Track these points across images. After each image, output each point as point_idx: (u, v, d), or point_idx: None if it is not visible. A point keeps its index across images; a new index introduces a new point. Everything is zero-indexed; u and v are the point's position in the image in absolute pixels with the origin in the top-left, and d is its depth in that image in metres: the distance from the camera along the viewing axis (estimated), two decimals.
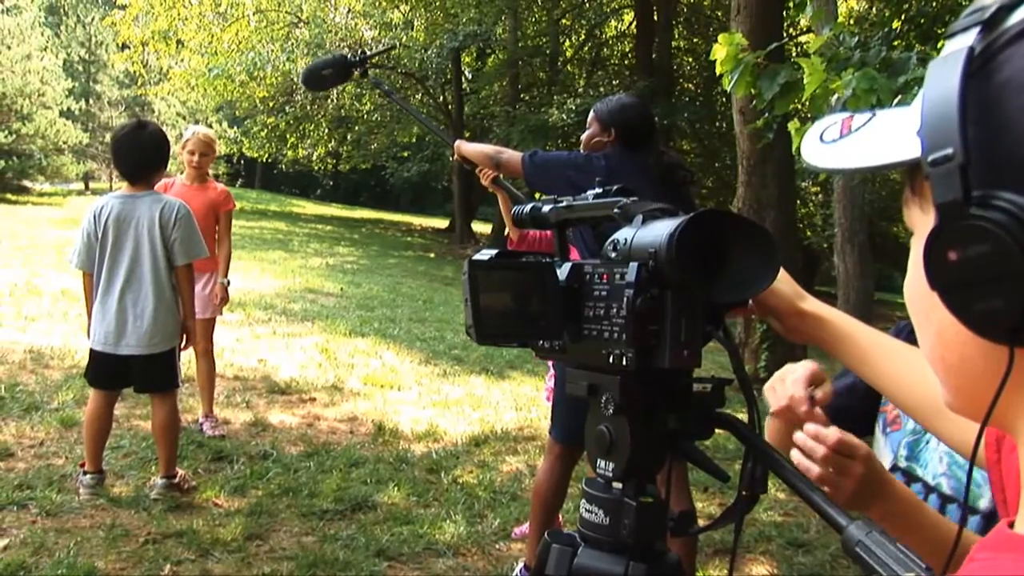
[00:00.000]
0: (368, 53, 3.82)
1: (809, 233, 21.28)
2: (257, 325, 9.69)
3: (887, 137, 0.67)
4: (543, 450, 6.12)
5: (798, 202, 18.25)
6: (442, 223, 34.86)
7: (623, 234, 1.13)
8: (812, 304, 1.25)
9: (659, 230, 1.06)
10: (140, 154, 4.72)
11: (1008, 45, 0.56)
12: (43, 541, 4.06)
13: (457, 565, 4.28)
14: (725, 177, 21.90)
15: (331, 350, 8.83)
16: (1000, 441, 0.67)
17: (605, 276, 1.13)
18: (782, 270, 1.27)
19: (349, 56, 3.77)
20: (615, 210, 1.19)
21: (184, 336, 4.86)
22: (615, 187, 1.27)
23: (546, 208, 1.33)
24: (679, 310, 1.07)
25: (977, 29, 0.57)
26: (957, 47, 0.57)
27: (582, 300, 1.16)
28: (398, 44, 22.67)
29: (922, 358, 0.87)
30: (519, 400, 7.66)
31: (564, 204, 1.31)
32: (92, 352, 4.72)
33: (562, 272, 1.18)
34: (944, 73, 0.57)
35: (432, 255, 23.47)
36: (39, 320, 8.61)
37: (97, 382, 4.76)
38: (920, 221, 0.64)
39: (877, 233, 21.20)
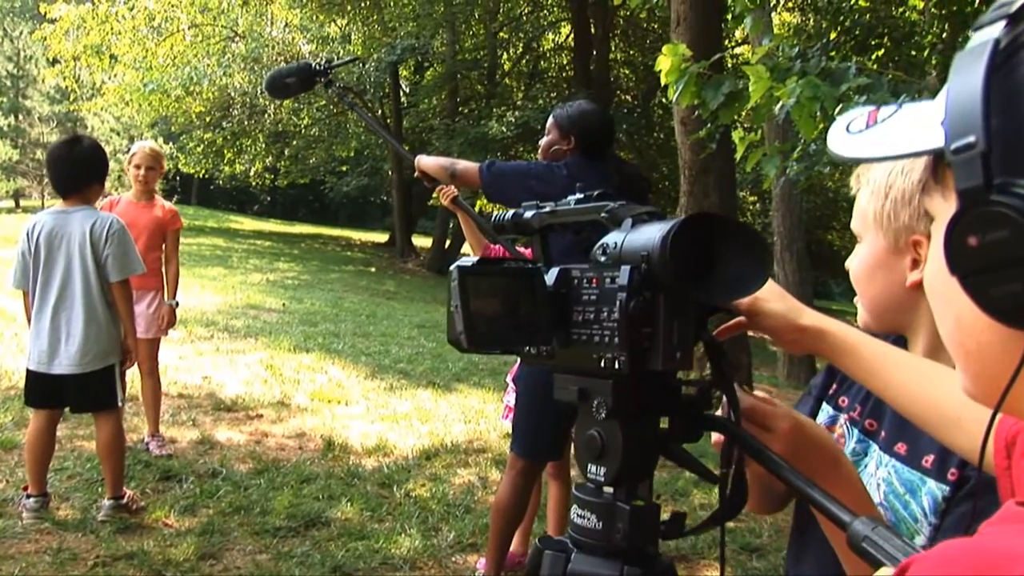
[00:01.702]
0: (333, 64, 3.78)
1: None
2: (200, 342, 9.57)
3: (912, 127, 0.68)
4: (494, 462, 6.13)
5: (737, 212, 18.48)
6: (382, 237, 34.70)
7: (613, 238, 1.13)
8: (811, 318, 1.24)
9: (651, 233, 1.06)
10: (73, 168, 4.62)
11: None
12: None
13: None
14: (663, 188, 22.09)
15: (276, 366, 8.73)
16: (1011, 447, 0.68)
17: (595, 280, 1.12)
18: (779, 288, 1.27)
19: (314, 65, 3.73)
20: (603, 214, 1.19)
21: (126, 354, 4.75)
22: (597, 192, 1.27)
23: (528, 214, 1.33)
24: (671, 312, 1.07)
25: (1003, 23, 0.58)
26: (983, 40, 0.58)
27: (570, 305, 1.16)
28: (359, 57, 22.47)
29: (930, 368, 0.87)
30: (467, 413, 7.65)
31: (547, 209, 1.30)
32: (28, 372, 4.64)
33: (549, 277, 1.18)
34: (969, 64, 0.58)
35: (373, 269, 23.35)
36: None
37: (34, 402, 4.67)
38: (941, 209, 0.65)
39: (813, 241, 21.55)
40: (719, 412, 1.22)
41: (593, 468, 1.17)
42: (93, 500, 4.81)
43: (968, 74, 0.58)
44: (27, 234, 4.59)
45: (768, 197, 15.07)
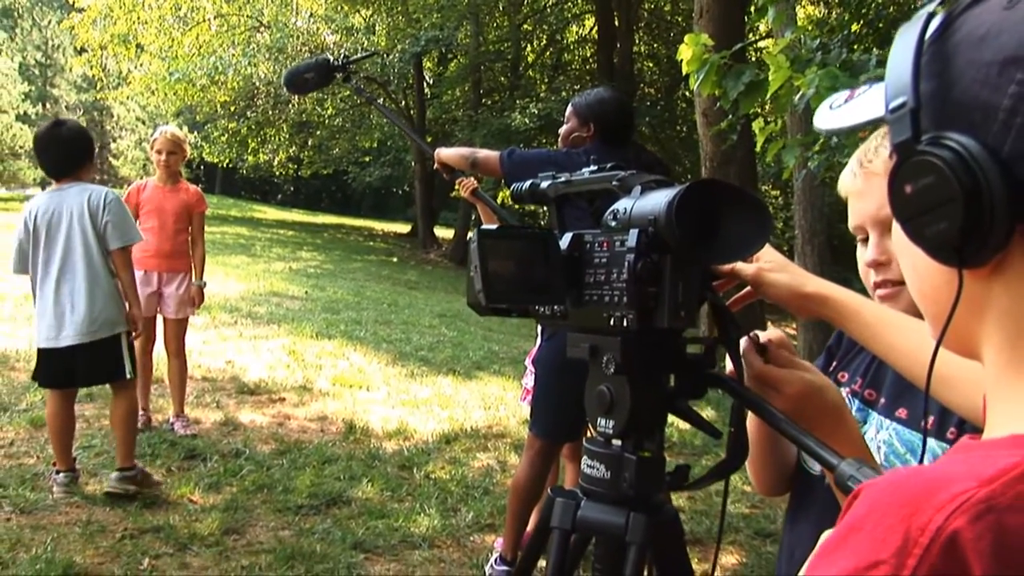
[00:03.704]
0: (351, 58, 3.84)
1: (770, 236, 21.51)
2: (223, 327, 9.69)
3: (879, 98, 0.75)
4: (513, 447, 6.21)
5: None
6: (404, 228, 34.81)
7: (622, 204, 1.20)
8: (815, 285, 1.31)
9: (658, 199, 1.14)
10: (62, 149, 4.69)
11: (964, 11, 0.66)
12: (19, 537, 4.07)
13: (433, 556, 4.34)
14: (686, 180, 22.04)
15: (298, 352, 8.83)
16: None
17: (605, 244, 1.20)
18: (782, 258, 1.34)
19: (332, 60, 3.79)
20: (614, 182, 1.26)
21: (131, 324, 4.78)
22: (610, 164, 1.34)
23: (544, 184, 1.40)
24: (676, 273, 1.14)
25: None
26: (921, 14, 0.67)
27: (583, 267, 1.23)
28: (378, 51, 22.54)
29: (926, 329, 0.95)
30: (487, 399, 7.72)
31: (563, 179, 1.38)
32: (39, 351, 4.70)
33: (563, 241, 1.25)
34: (906, 35, 0.67)
35: (395, 259, 23.47)
36: (2, 323, 8.56)
37: (45, 380, 4.75)
38: None
39: (836, 235, 21.46)
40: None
41: (602, 421, 1.24)
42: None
43: (904, 43, 0.67)
44: (25, 218, 4.66)
45: (790, 190, 15.05)
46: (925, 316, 0.74)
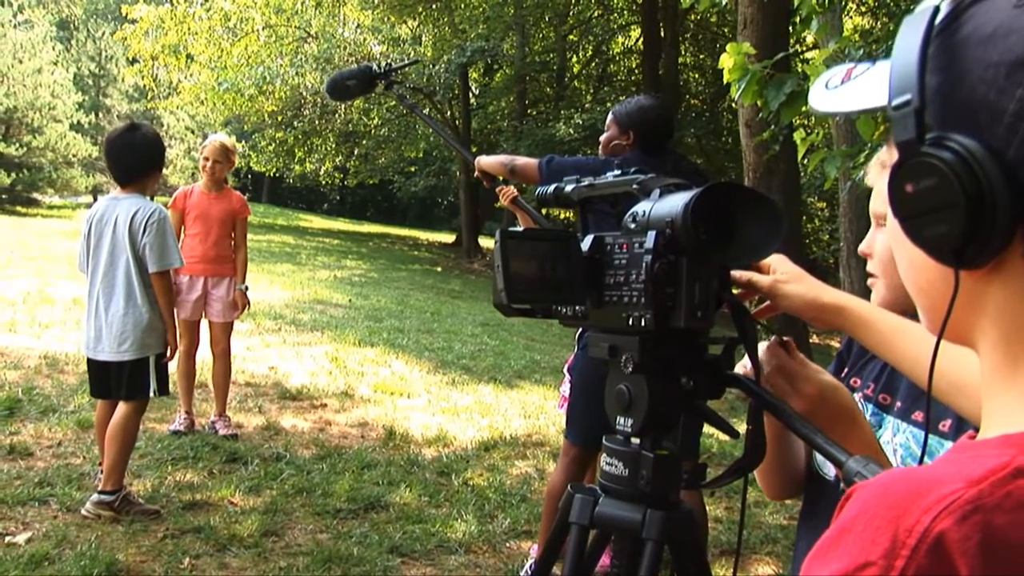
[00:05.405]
0: (393, 66, 3.88)
1: (816, 249, 21.39)
2: (267, 334, 9.80)
3: (880, 83, 0.75)
4: (551, 455, 6.22)
5: (804, 217, 18.33)
6: (449, 238, 34.97)
7: (642, 207, 1.23)
8: (832, 296, 1.32)
9: (675, 201, 1.16)
10: (134, 155, 4.58)
11: (971, 5, 0.64)
12: (65, 534, 4.16)
13: (469, 562, 4.36)
14: None
15: (341, 359, 8.91)
16: None
17: (625, 246, 1.23)
18: (798, 269, 1.35)
19: (374, 68, 3.84)
20: (634, 186, 1.29)
21: (166, 347, 4.64)
22: (633, 168, 1.37)
23: (568, 187, 1.43)
24: (693, 274, 1.17)
25: None
26: (926, 6, 0.66)
27: (603, 269, 1.26)
28: (421, 60, 22.69)
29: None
30: (527, 408, 7.74)
31: (586, 183, 1.41)
32: (87, 359, 4.69)
33: (585, 243, 1.28)
34: (911, 29, 0.66)
35: (439, 269, 23.54)
36: (53, 327, 8.72)
37: (92, 390, 4.76)
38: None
39: None
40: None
41: (621, 420, 1.27)
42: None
43: (909, 38, 0.65)
44: (86, 220, 4.66)
45: (836, 202, 14.93)
46: (919, 309, 0.74)
